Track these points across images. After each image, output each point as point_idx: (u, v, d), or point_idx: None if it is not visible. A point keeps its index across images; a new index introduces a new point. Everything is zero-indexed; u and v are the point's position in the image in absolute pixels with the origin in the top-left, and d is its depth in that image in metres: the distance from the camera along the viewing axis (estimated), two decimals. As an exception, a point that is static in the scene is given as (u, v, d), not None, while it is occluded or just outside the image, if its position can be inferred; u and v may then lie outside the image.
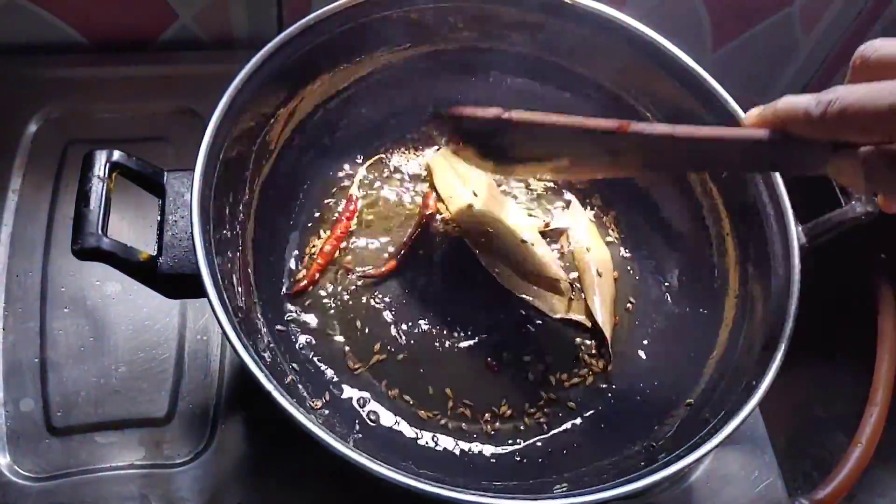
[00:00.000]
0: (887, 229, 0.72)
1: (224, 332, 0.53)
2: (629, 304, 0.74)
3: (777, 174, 0.65)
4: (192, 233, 0.55)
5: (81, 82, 0.83)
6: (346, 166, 0.77)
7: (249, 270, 0.66)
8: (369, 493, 0.63)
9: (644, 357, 0.72)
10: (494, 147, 0.63)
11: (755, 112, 0.52)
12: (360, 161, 0.78)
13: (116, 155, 0.59)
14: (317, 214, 0.75)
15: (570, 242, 0.76)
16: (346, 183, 0.77)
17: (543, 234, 0.76)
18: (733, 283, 0.69)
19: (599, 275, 0.74)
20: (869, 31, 1.00)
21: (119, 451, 0.66)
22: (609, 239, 0.77)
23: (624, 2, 0.91)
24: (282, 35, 0.65)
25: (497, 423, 0.68)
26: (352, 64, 0.73)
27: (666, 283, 0.75)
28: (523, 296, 0.72)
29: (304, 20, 0.66)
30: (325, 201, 0.75)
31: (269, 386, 0.52)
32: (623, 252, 0.77)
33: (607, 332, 0.71)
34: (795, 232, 0.64)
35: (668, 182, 0.75)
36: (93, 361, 0.69)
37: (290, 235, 0.73)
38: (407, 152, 0.79)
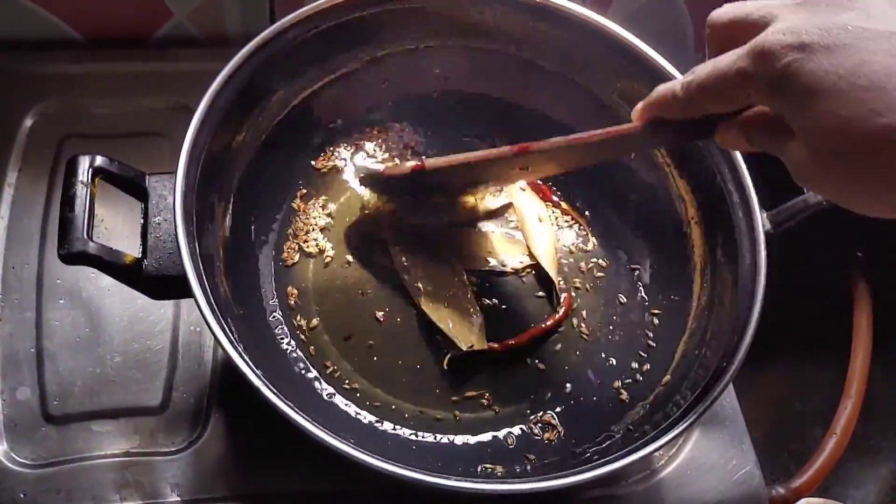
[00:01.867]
0: (865, 226, 0.74)
1: (213, 333, 0.55)
2: (601, 296, 0.76)
3: (741, 160, 0.68)
4: (175, 235, 0.57)
5: (77, 78, 0.84)
6: (329, 161, 0.79)
7: (231, 271, 0.67)
8: (359, 482, 0.65)
9: (615, 342, 0.74)
10: (424, 190, 0.71)
11: (637, 109, 0.55)
12: (341, 156, 0.79)
13: (99, 160, 0.60)
14: (296, 208, 0.76)
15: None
16: (329, 178, 0.78)
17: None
18: (702, 269, 0.71)
19: (540, 221, 0.77)
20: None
21: (114, 439, 0.67)
22: (578, 232, 0.79)
23: (606, 8, 0.93)
24: (260, 36, 0.66)
25: (469, 413, 0.69)
26: (335, 61, 0.74)
27: (636, 272, 0.77)
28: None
29: (281, 22, 0.67)
30: (303, 195, 0.77)
31: (257, 382, 0.54)
32: (592, 244, 0.79)
33: (552, 273, 0.74)
34: (760, 218, 0.66)
35: (635, 171, 0.77)
36: (88, 351, 0.70)
37: (270, 233, 0.74)
38: (389, 146, 0.81)
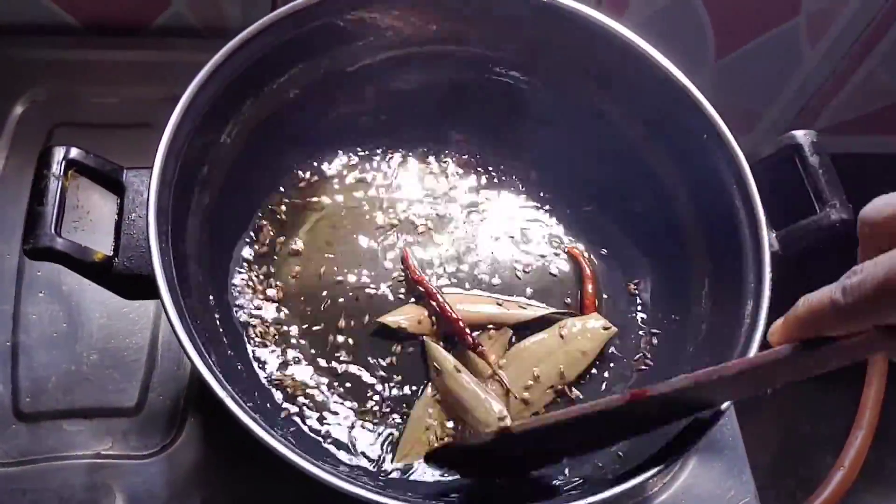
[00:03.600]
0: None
1: (178, 338, 0.53)
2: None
3: (749, 173, 0.64)
4: (147, 233, 0.55)
5: (70, 65, 0.82)
6: (312, 164, 0.76)
7: (203, 269, 0.65)
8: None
9: (612, 364, 0.71)
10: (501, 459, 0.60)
11: (777, 328, 0.46)
12: (325, 161, 0.77)
13: (74, 152, 0.57)
14: (273, 214, 0.74)
15: None
16: (307, 183, 0.76)
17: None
18: (704, 289, 0.68)
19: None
20: (876, 45, 0.99)
21: (86, 439, 0.65)
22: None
23: (623, 10, 0.90)
24: (245, 31, 0.64)
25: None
26: (320, 62, 0.71)
27: (636, 290, 0.74)
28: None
29: (266, 17, 0.65)
30: (283, 201, 0.74)
31: (221, 394, 0.52)
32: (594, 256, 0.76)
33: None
34: (767, 238, 0.62)
35: (638, 188, 0.74)
36: (65, 347, 0.68)
37: (243, 235, 0.72)
38: (373, 155, 0.78)
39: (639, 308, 0.73)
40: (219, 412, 0.66)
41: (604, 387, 0.70)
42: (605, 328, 0.70)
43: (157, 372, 0.69)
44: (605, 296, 0.74)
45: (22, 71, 0.81)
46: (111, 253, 0.57)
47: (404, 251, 0.72)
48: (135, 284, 0.57)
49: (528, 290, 0.73)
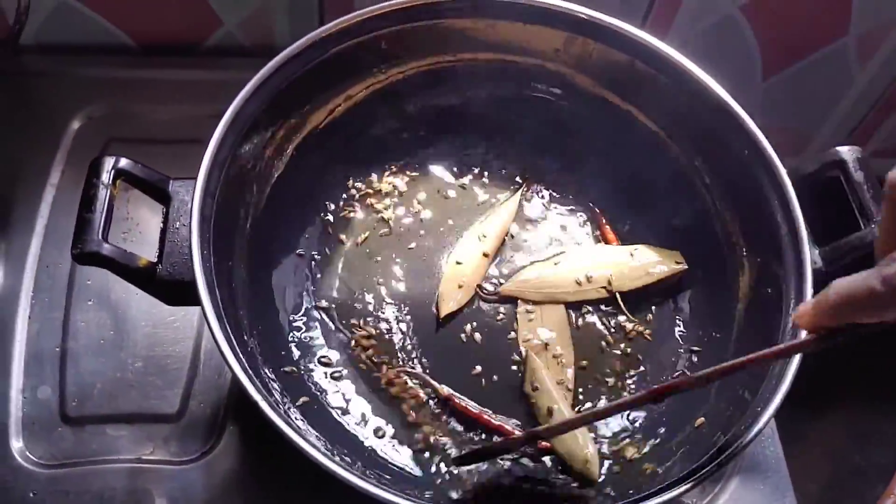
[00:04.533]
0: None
1: (217, 342, 0.54)
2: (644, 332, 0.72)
3: (792, 190, 0.64)
4: (190, 240, 0.56)
5: (126, 83, 0.85)
6: (354, 180, 0.77)
7: (252, 278, 0.67)
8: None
9: (650, 379, 0.70)
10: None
11: (807, 310, 0.44)
12: (369, 175, 0.78)
13: (123, 162, 0.59)
14: (321, 225, 0.75)
15: None
16: (351, 195, 0.77)
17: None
18: (745, 305, 0.68)
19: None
20: (930, 66, 0.97)
21: (128, 444, 0.67)
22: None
23: (667, 29, 0.90)
24: (289, 49, 0.65)
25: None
26: (364, 77, 0.73)
27: (677, 306, 0.73)
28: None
29: (309, 35, 0.66)
30: (330, 214, 0.75)
31: (257, 397, 0.53)
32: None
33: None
34: (810, 255, 0.62)
35: (680, 202, 0.74)
36: (111, 354, 0.70)
37: (292, 251, 0.73)
38: (412, 169, 0.79)
39: (679, 325, 0.72)
40: (256, 419, 0.68)
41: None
42: (678, 262, 0.73)
43: (198, 380, 0.70)
44: (648, 312, 0.73)
45: (81, 88, 0.84)
46: (155, 259, 0.59)
47: (451, 400, 0.68)
48: (177, 290, 0.59)
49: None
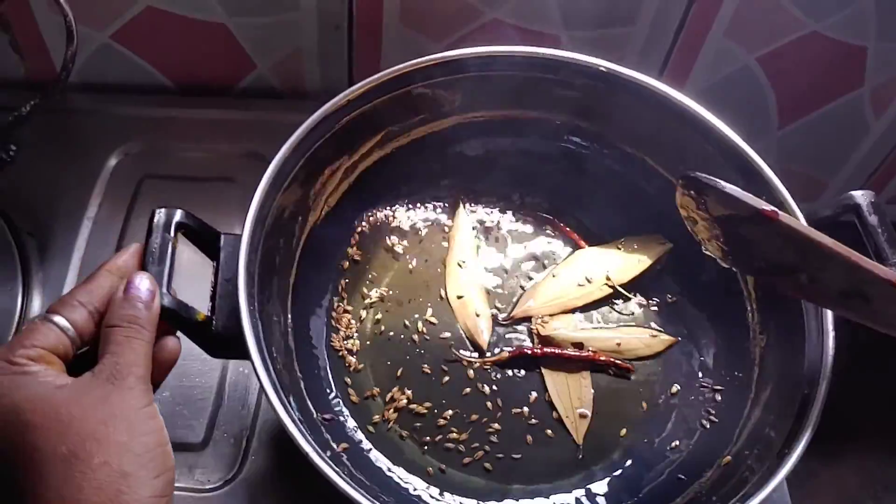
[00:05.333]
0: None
1: (266, 394, 0.56)
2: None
3: None
4: (237, 297, 0.58)
5: (162, 121, 0.89)
6: (385, 223, 0.79)
7: (290, 323, 0.69)
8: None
9: (674, 418, 0.72)
10: (735, 234, 0.61)
11: None
12: (402, 220, 0.80)
13: (179, 215, 0.60)
14: (349, 269, 0.77)
15: None
16: (385, 239, 0.79)
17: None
18: (767, 345, 0.69)
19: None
20: (944, 118, 0.99)
21: (155, 471, 0.69)
22: (647, 311, 0.77)
23: (684, 80, 0.92)
24: (327, 105, 0.68)
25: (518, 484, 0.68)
26: (398, 131, 0.75)
27: (699, 346, 0.75)
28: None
29: (345, 92, 0.69)
30: (361, 256, 0.77)
31: (312, 455, 0.54)
32: (658, 321, 0.77)
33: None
34: None
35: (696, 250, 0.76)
36: (141, 384, 0.72)
37: (323, 290, 0.75)
38: (446, 212, 0.81)
39: (700, 370, 0.74)
40: (280, 451, 0.70)
41: (669, 444, 0.70)
42: (662, 242, 0.77)
43: (223, 410, 0.72)
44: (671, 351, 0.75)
45: (118, 126, 0.88)
46: (209, 313, 0.60)
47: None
48: (228, 344, 0.60)
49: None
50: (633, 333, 0.74)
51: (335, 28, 0.86)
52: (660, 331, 0.75)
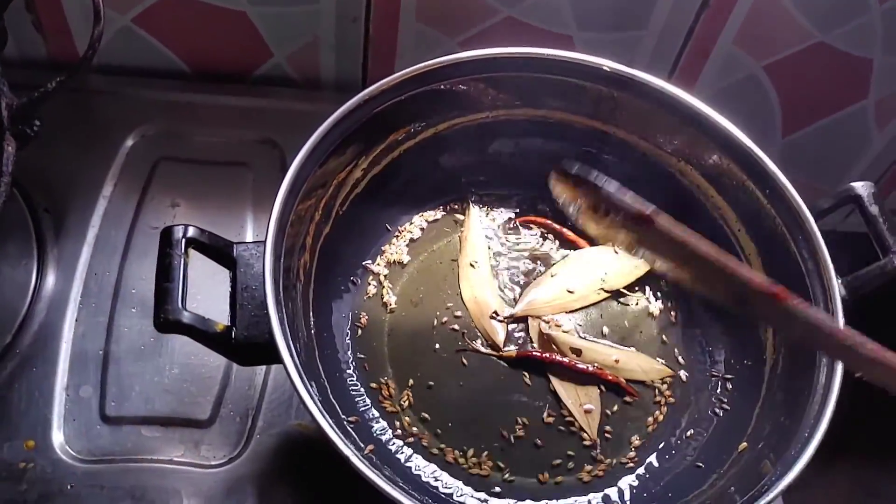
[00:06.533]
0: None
1: (304, 403, 0.56)
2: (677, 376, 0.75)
3: (815, 226, 0.68)
4: (265, 303, 0.58)
5: (179, 106, 0.90)
6: (403, 224, 0.81)
7: (312, 327, 0.70)
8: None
9: (690, 409, 0.73)
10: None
11: None
12: (409, 218, 0.81)
13: (192, 231, 0.62)
14: (366, 265, 0.78)
15: None
16: (404, 239, 0.80)
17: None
18: (774, 335, 0.71)
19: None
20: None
21: (161, 445, 0.70)
22: (653, 307, 0.79)
23: (692, 86, 0.94)
24: (340, 110, 0.68)
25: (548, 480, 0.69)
26: (420, 126, 0.76)
27: (708, 338, 0.77)
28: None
29: (363, 93, 0.69)
30: (381, 257, 0.79)
31: (353, 459, 0.55)
32: (664, 315, 0.78)
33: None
34: (837, 285, 0.65)
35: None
36: (150, 360, 0.74)
37: (343, 291, 0.76)
38: (463, 213, 0.83)
39: (710, 360, 0.75)
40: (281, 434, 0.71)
41: (681, 435, 0.72)
42: None
43: (230, 389, 0.74)
44: (679, 344, 0.77)
45: (136, 108, 0.89)
46: (229, 323, 0.62)
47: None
48: (253, 352, 0.62)
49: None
50: (634, 357, 0.75)
51: (352, 20, 0.88)
52: (661, 361, 0.75)
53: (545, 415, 0.71)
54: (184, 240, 0.61)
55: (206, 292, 0.70)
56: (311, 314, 0.70)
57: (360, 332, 0.75)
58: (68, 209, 0.82)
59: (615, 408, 0.73)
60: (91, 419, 0.71)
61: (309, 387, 0.58)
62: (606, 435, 0.71)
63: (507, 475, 0.69)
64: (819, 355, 0.64)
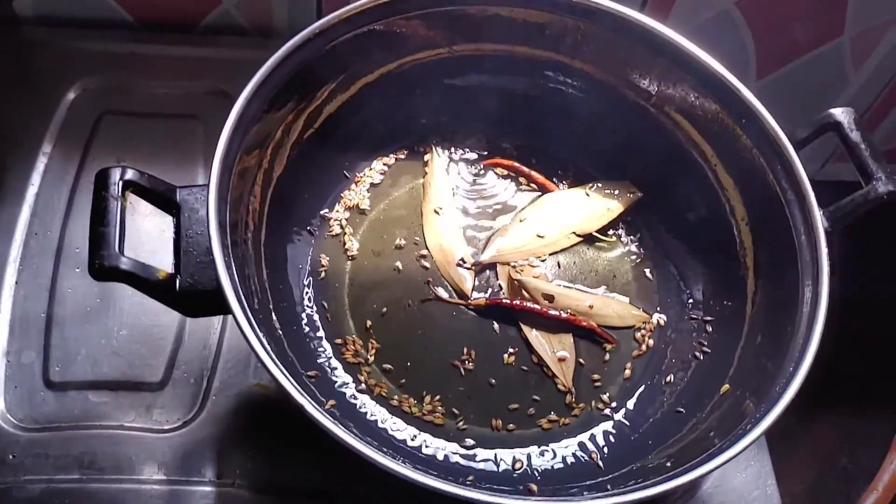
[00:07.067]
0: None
1: (254, 351, 0.53)
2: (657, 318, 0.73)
3: (795, 156, 0.66)
4: (210, 249, 0.55)
5: (123, 57, 0.86)
6: (359, 169, 0.78)
7: (265, 278, 0.66)
8: (361, 480, 0.63)
9: (669, 353, 0.71)
10: None
11: None
12: (368, 163, 0.78)
13: (130, 173, 0.58)
14: (324, 214, 0.75)
15: None
16: (361, 184, 0.77)
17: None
18: (755, 272, 0.69)
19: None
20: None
21: (111, 410, 0.66)
22: (629, 250, 0.76)
23: (664, 22, 0.90)
24: (287, 44, 0.65)
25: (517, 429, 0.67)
26: (368, 66, 0.73)
27: (687, 279, 0.74)
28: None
29: (309, 28, 0.66)
30: (338, 204, 0.75)
31: (313, 412, 0.52)
32: (641, 258, 0.76)
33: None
34: (819, 216, 0.63)
35: (681, 178, 0.75)
36: (97, 322, 0.70)
37: (298, 239, 0.73)
38: (421, 156, 0.79)
39: (689, 303, 0.73)
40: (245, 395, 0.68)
41: (660, 381, 0.69)
42: (631, 192, 0.76)
43: (182, 350, 0.70)
44: (656, 288, 0.74)
45: (77, 60, 0.84)
46: (172, 271, 0.58)
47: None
48: (199, 300, 0.58)
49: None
50: (609, 302, 0.72)
51: (304, -38, 0.84)
52: (636, 306, 0.73)
53: (516, 361, 0.69)
54: (121, 182, 0.57)
55: (154, 248, 0.66)
56: (264, 263, 0.66)
57: (319, 281, 0.71)
58: (6, 167, 0.78)
59: (590, 355, 0.70)
60: (34, 385, 0.67)
61: (261, 335, 0.54)
62: (582, 382, 0.68)
63: (474, 425, 0.66)
64: (802, 287, 0.61)
